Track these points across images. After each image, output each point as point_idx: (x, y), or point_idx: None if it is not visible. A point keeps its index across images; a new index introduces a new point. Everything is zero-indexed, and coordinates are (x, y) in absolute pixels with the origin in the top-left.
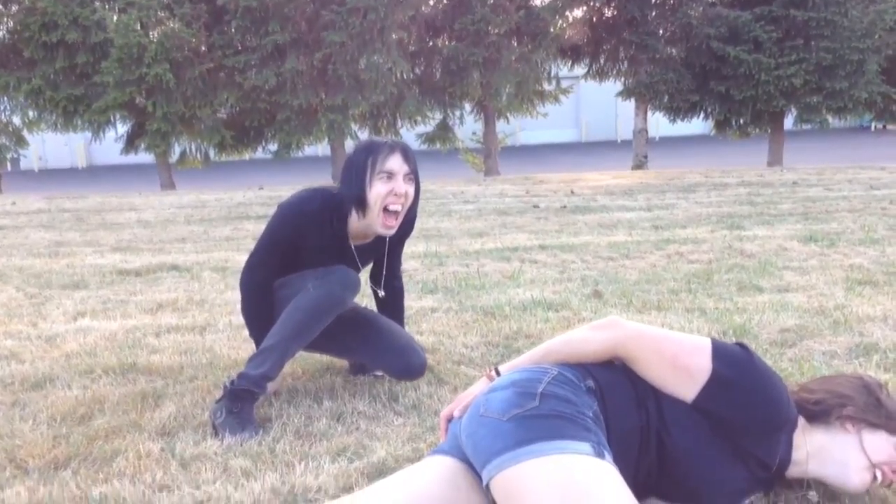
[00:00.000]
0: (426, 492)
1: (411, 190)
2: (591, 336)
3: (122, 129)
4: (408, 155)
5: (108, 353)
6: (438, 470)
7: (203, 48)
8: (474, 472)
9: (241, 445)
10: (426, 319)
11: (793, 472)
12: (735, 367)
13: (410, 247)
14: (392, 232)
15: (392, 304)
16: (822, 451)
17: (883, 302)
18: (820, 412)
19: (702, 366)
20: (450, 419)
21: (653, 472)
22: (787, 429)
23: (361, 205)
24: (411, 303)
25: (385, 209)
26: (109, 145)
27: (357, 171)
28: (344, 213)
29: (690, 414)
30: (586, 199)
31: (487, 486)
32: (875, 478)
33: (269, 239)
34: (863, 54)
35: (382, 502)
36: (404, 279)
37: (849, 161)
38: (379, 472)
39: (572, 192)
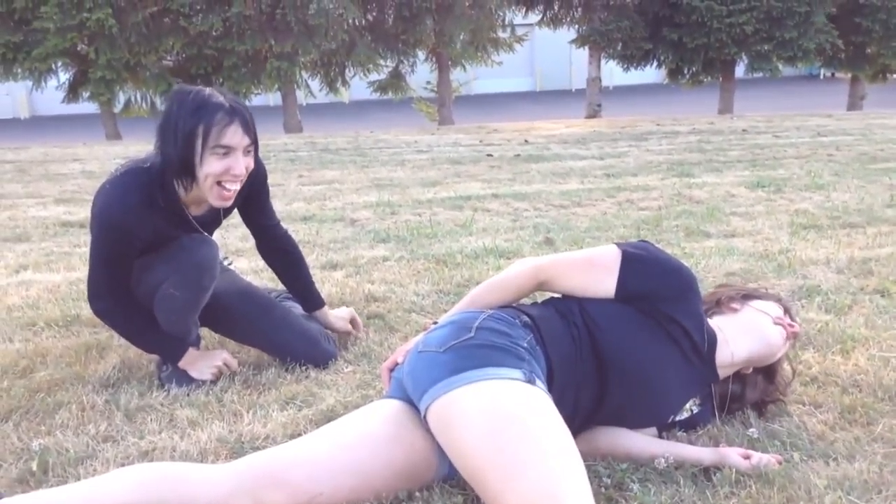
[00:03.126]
0: (372, 431)
1: (251, 162)
2: (511, 272)
3: (65, 77)
4: (248, 123)
5: (51, 306)
6: (383, 411)
7: None
8: (417, 410)
9: (188, 396)
10: (377, 268)
11: (722, 357)
12: (641, 249)
13: (363, 196)
14: (229, 204)
15: (288, 259)
16: (734, 326)
17: (826, 246)
18: (709, 309)
19: (612, 255)
20: (392, 369)
21: (594, 390)
22: (698, 299)
23: (188, 179)
24: (363, 252)
25: (219, 184)
26: (53, 95)
27: (184, 138)
28: (169, 186)
29: (615, 307)
30: (539, 148)
31: (425, 416)
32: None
33: (100, 258)
34: (810, 5)
35: (329, 444)
36: (356, 228)
37: (797, 109)
38: (328, 419)
39: (526, 141)
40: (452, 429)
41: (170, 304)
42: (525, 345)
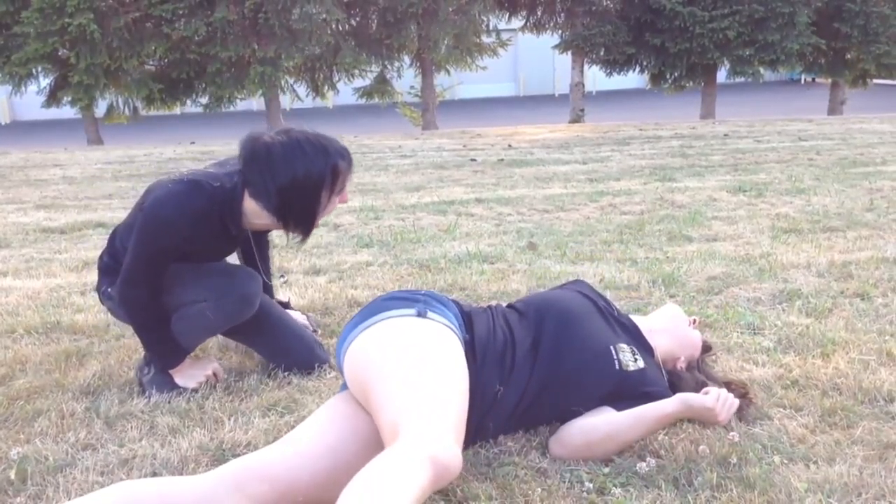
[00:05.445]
0: (336, 414)
1: None
2: None
3: (45, 81)
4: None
5: (30, 313)
6: (341, 395)
7: None
8: None
9: (169, 403)
10: (361, 273)
11: (640, 324)
12: None
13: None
14: None
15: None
16: (652, 321)
17: (807, 250)
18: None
19: None
20: None
21: (524, 331)
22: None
23: (304, 223)
24: (346, 257)
25: None
26: (34, 100)
27: (313, 187)
28: (236, 209)
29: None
30: (523, 153)
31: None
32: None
33: (142, 250)
34: (793, 7)
35: (301, 436)
36: (340, 233)
37: (779, 114)
38: None
39: (509, 145)
40: (356, 373)
41: (199, 322)
42: (423, 292)
